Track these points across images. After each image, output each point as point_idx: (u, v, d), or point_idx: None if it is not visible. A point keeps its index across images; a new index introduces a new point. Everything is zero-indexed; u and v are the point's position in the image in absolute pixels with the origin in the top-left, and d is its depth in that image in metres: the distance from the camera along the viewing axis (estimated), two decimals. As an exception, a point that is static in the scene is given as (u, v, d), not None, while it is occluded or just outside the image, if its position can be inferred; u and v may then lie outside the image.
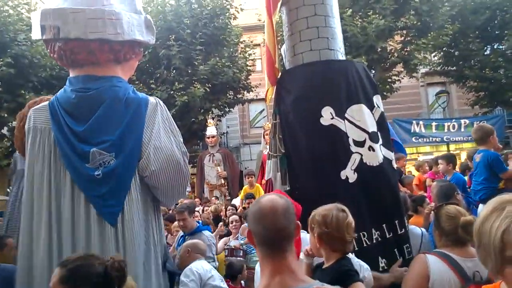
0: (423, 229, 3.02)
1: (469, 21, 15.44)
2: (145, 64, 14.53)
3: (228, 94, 16.62)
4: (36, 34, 2.37)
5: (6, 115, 14.81)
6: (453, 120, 14.34)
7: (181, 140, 2.45)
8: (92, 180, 2.16)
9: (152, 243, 2.32)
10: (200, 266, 3.28)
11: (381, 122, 2.85)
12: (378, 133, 2.78)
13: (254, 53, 17.94)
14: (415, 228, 3.00)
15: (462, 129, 13.90)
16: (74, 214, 2.16)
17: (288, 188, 2.72)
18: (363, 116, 2.72)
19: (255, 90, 17.30)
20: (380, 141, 2.77)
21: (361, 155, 2.65)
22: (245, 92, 17.26)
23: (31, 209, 2.22)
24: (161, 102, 2.43)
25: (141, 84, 14.86)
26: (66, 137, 2.21)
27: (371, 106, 2.82)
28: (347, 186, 2.58)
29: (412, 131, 14.24)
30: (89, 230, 2.13)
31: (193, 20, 14.40)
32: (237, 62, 16.12)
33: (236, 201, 8.31)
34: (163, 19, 14.10)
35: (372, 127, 2.75)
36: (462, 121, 13.96)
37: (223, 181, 10.87)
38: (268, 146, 8.36)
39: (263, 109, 22.19)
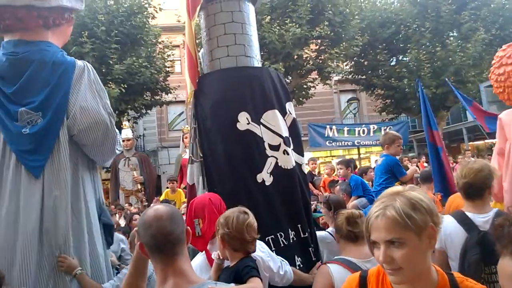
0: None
1: (377, 34, 16.65)
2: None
3: (145, 96, 16.11)
4: None
5: None
6: (363, 125, 15.24)
7: (108, 102, 2.56)
8: (20, 137, 2.31)
9: (83, 196, 2.45)
10: None
11: (293, 128, 2.97)
12: (290, 138, 2.89)
13: (173, 54, 17.66)
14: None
15: (371, 134, 14.82)
16: (3, 168, 2.32)
17: (206, 192, 2.72)
18: (277, 122, 2.82)
19: (174, 92, 16.99)
20: (292, 146, 2.88)
21: (276, 158, 2.74)
22: (163, 94, 16.89)
23: None
24: (89, 65, 2.52)
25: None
26: None
27: (283, 112, 2.93)
28: (264, 188, 2.65)
29: (326, 135, 14.90)
30: (19, 183, 2.29)
31: (109, 17, 13.76)
32: (155, 62, 15.71)
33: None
34: (76, 13, 13.33)
35: (286, 132, 2.86)
36: (371, 126, 14.87)
37: (139, 187, 10.47)
38: (187, 151, 8.33)
39: (182, 112, 21.91)
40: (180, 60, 20.74)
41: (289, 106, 2.99)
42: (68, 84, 2.38)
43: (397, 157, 4.88)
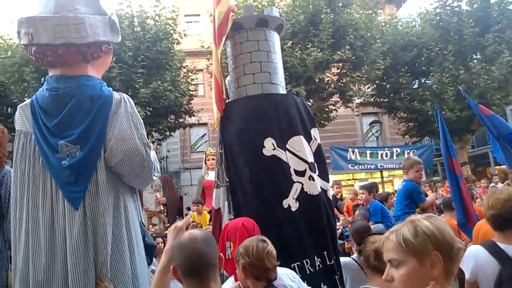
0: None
1: (399, 57, 16.63)
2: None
3: (169, 118, 16.44)
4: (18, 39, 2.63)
5: None
6: (386, 149, 15.14)
7: (144, 132, 2.65)
8: (60, 169, 2.42)
9: (125, 220, 2.54)
10: None
11: (318, 153, 3.00)
12: (315, 164, 2.92)
13: (196, 78, 18.02)
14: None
15: (394, 157, 14.69)
16: (52, 202, 2.43)
17: (232, 217, 2.76)
18: (302, 147, 2.86)
19: (197, 115, 17.31)
20: (317, 172, 2.91)
21: (302, 184, 2.76)
22: (187, 117, 17.20)
23: (15, 200, 2.51)
24: (126, 97, 2.62)
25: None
26: (41, 132, 2.49)
27: (309, 138, 2.97)
28: (290, 214, 2.67)
29: (348, 158, 14.83)
30: (65, 213, 2.40)
31: (136, 43, 14.24)
32: (179, 86, 16.07)
33: None
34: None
35: (311, 157, 2.89)
36: (394, 149, 14.77)
37: (162, 208, 10.59)
38: (210, 173, 8.39)
39: (205, 134, 22.18)
40: (203, 83, 21.14)
41: (314, 132, 3.04)
42: (106, 117, 2.49)
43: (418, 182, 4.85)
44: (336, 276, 2.73)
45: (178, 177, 20.78)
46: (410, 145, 16.74)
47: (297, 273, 2.45)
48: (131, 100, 2.65)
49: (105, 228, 2.40)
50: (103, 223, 2.40)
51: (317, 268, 2.62)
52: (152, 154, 2.72)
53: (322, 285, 2.61)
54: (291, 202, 2.69)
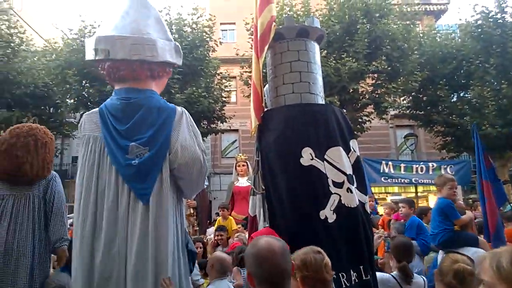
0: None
1: (437, 69, 16.24)
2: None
3: (202, 124, 16.68)
4: (89, 56, 3.03)
5: (-23, 129, 14.34)
6: (421, 163, 14.71)
7: (201, 141, 2.99)
8: (130, 168, 2.72)
9: (177, 224, 2.84)
10: None
11: (357, 166, 2.95)
12: (353, 176, 2.87)
13: (230, 85, 18.23)
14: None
15: (430, 172, 14.25)
16: (118, 197, 2.71)
17: (267, 225, 2.75)
18: (341, 159, 2.81)
19: (228, 121, 17.47)
20: (355, 184, 2.86)
21: (340, 196, 2.71)
22: (219, 122, 17.40)
23: (80, 196, 2.77)
24: (185, 111, 3.00)
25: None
26: (111, 135, 2.80)
27: (347, 150, 2.92)
28: (326, 226, 2.62)
29: (381, 171, 14.50)
30: (128, 206, 2.69)
31: (173, 50, 14.54)
32: (213, 92, 16.30)
33: (210, 232, 8.24)
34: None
35: (349, 169, 2.83)
36: (430, 164, 14.32)
37: (192, 211, 10.68)
38: (239, 178, 8.40)
39: (235, 140, 22.35)
40: (235, 90, 21.35)
41: (353, 143, 2.99)
42: (170, 126, 2.83)
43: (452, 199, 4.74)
44: None
45: (208, 181, 20.92)
46: (447, 160, 16.22)
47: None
48: (188, 113, 3.01)
49: (167, 224, 2.67)
50: (165, 219, 2.68)
51: (353, 282, 2.55)
52: None
53: None
54: (328, 214, 2.64)
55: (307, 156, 2.73)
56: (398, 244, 3.35)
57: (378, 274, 2.98)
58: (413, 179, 14.42)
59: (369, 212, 2.99)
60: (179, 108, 2.96)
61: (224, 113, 17.25)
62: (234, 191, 8.51)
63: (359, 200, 2.80)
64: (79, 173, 2.85)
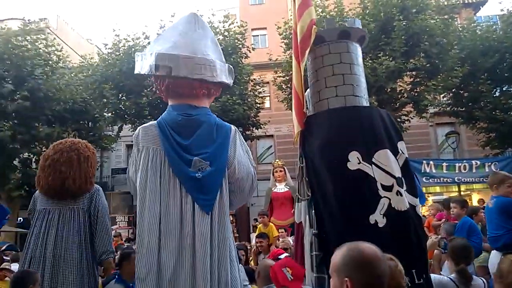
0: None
1: (479, 64, 15.66)
2: (156, 99, 14.82)
3: (237, 131, 16.76)
4: (141, 69, 3.24)
5: (19, 146, 14.99)
6: (464, 161, 14.24)
7: (251, 158, 3.28)
8: (194, 180, 2.90)
9: (232, 231, 3.11)
10: None
11: (406, 168, 2.86)
12: (403, 178, 2.79)
13: (264, 91, 18.26)
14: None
15: (474, 170, 13.80)
16: (182, 206, 2.89)
17: (315, 231, 2.71)
18: (389, 161, 2.74)
19: (263, 127, 17.47)
20: (405, 187, 2.77)
21: (389, 199, 2.65)
22: (254, 129, 17.42)
23: (143, 206, 2.94)
24: (237, 130, 3.25)
25: (153, 119, 15.06)
26: (173, 148, 2.97)
27: (395, 152, 2.84)
28: (377, 230, 2.56)
29: (422, 171, 14.13)
30: (193, 215, 2.86)
31: (206, 59, 14.71)
32: (247, 99, 16.36)
33: (253, 237, 8.28)
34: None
35: (398, 172, 2.75)
36: (473, 162, 13.85)
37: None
38: (277, 184, 8.35)
39: (271, 146, 22.32)
40: (269, 96, 21.36)
41: (401, 145, 2.91)
42: (228, 142, 3.07)
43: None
44: None
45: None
46: (491, 158, 15.62)
47: None
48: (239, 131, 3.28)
49: (228, 232, 2.93)
50: (226, 227, 2.93)
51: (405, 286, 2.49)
52: None
53: None
54: (378, 218, 2.58)
55: (354, 160, 2.68)
56: (457, 246, 3.29)
57: (435, 276, 2.95)
58: (455, 178, 14.01)
59: (420, 215, 2.89)
60: (233, 127, 3.19)
61: (259, 119, 17.30)
62: (272, 197, 8.48)
63: (409, 203, 2.72)
64: (139, 182, 3.01)
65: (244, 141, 3.25)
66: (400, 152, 2.87)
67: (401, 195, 2.69)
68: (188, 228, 2.83)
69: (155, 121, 3.16)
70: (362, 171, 2.67)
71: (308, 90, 3.30)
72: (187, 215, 2.87)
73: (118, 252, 6.43)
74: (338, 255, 1.67)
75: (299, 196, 2.97)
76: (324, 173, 2.74)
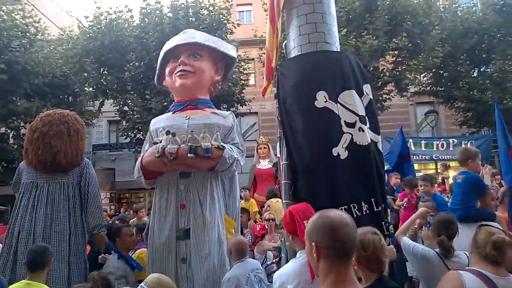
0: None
1: (458, 44, 15.98)
2: (139, 74, 14.74)
3: (221, 107, 16.78)
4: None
5: (-4, 121, 14.62)
6: (442, 139, 14.60)
7: None
8: None
9: None
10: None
11: (370, 108, 3.11)
12: (366, 117, 3.03)
13: (248, 68, 18.27)
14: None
15: (451, 148, 14.16)
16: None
17: (283, 163, 2.93)
18: (353, 101, 2.99)
19: (248, 104, 17.53)
20: (368, 125, 3.02)
21: (352, 135, 2.90)
22: (238, 105, 17.45)
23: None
24: None
25: (135, 95, 15.03)
26: None
27: (361, 93, 3.09)
28: (339, 161, 2.81)
29: (401, 147, 14.47)
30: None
31: (191, 33, 14.63)
32: (232, 75, 16.34)
33: None
34: (160, 31, 14.34)
35: (362, 111, 3.01)
36: (451, 140, 14.22)
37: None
38: (261, 161, 8.47)
39: (255, 123, 22.45)
40: (254, 73, 21.38)
41: (366, 88, 3.14)
42: None
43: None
44: (382, 222, 2.85)
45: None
46: (467, 136, 16.05)
47: None
48: None
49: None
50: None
51: (364, 213, 2.75)
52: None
53: None
54: (340, 151, 2.83)
55: (321, 99, 2.91)
56: (439, 219, 3.27)
57: (421, 248, 3.07)
58: (433, 156, 14.36)
59: (381, 150, 3.12)
60: None
61: (244, 96, 17.26)
62: (256, 174, 8.60)
63: (371, 139, 2.96)
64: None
65: None
66: (365, 93, 3.11)
67: (363, 131, 2.94)
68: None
69: None
70: (328, 109, 2.91)
71: (285, 41, 3.45)
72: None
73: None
74: (310, 222, 1.71)
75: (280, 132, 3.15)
76: (294, 111, 2.96)
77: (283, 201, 2.83)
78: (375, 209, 2.82)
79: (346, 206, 2.69)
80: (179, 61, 4.07)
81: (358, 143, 2.89)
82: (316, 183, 2.71)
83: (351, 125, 2.91)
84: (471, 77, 16.18)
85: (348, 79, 3.03)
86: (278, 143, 3.14)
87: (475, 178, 4.42)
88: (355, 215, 2.70)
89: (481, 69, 16.62)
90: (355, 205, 2.73)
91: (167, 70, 4.23)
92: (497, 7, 15.36)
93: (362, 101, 3.04)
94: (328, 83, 2.96)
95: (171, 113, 4.20)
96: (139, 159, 3.85)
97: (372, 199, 2.82)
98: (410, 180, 6.45)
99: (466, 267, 2.40)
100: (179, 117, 4.02)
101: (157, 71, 4.48)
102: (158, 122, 4.04)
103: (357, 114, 2.95)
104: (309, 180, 2.69)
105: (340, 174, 2.75)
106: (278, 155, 3.22)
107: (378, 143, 3.06)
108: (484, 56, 16.17)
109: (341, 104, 2.92)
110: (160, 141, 3.64)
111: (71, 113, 4.01)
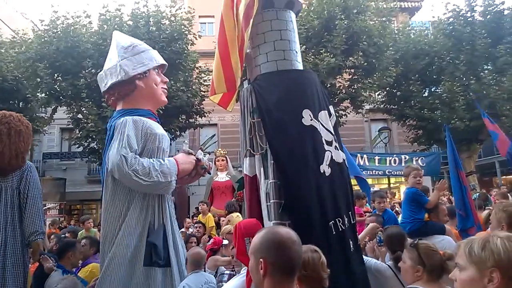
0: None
1: (411, 65, 16.80)
2: (96, 82, 14.15)
3: (180, 118, 16.59)
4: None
5: None
6: (394, 155, 15.18)
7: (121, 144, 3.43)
8: None
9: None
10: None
11: (336, 128, 3.19)
12: (334, 136, 3.12)
13: (209, 79, 18.20)
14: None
15: (403, 164, 14.70)
16: None
17: (271, 181, 2.83)
18: (328, 121, 3.07)
19: (207, 116, 17.45)
20: (337, 144, 3.11)
21: (331, 152, 2.98)
22: (197, 117, 17.33)
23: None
24: (123, 122, 3.46)
25: (90, 102, 14.49)
26: None
27: (329, 114, 3.17)
28: (325, 178, 2.87)
29: (356, 163, 14.86)
30: None
31: (150, 43, 14.26)
32: (192, 87, 16.23)
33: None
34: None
35: (332, 130, 3.09)
36: (403, 156, 14.80)
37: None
38: (218, 173, 8.32)
39: (214, 135, 22.36)
40: (214, 85, 21.26)
41: (331, 109, 3.24)
42: (110, 140, 3.54)
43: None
44: (355, 233, 2.98)
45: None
46: (418, 153, 16.80)
47: (332, 231, 2.69)
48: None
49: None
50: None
51: (346, 226, 2.82)
52: None
53: (350, 241, 2.81)
54: (325, 168, 2.89)
55: (307, 117, 2.94)
56: (392, 234, 3.36)
57: (374, 262, 3.14)
58: (386, 171, 14.87)
59: (348, 168, 3.23)
60: (118, 120, 3.58)
61: (203, 108, 17.17)
62: (213, 186, 8.51)
63: (341, 157, 3.04)
64: None
65: (121, 128, 3.40)
66: (332, 114, 3.21)
67: (338, 149, 3.03)
68: None
69: None
70: (313, 127, 2.95)
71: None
72: None
73: (54, 241, 6.18)
74: (257, 237, 1.71)
75: (252, 151, 3.03)
76: (283, 126, 2.92)
77: (273, 222, 2.74)
78: (352, 222, 2.92)
79: (333, 221, 2.75)
80: (165, 80, 4.10)
81: (336, 160, 2.97)
82: (308, 200, 2.72)
83: (329, 143, 2.99)
84: (422, 96, 17.01)
85: (322, 99, 3.12)
86: (246, 158, 3.06)
87: (411, 192, 4.63)
88: (340, 229, 2.77)
89: (432, 89, 17.49)
90: (340, 219, 2.81)
91: (154, 75, 3.92)
92: (447, 32, 16.31)
93: (330, 121, 3.11)
94: (311, 101, 3.01)
95: (152, 119, 3.88)
96: (167, 163, 3.52)
97: (350, 213, 2.92)
98: (358, 194, 6.71)
99: (408, 286, 2.48)
100: None
101: (137, 64, 3.78)
102: (158, 128, 3.76)
103: (332, 133, 3.03)
104: (302, 197, 2.73)
105: (326, 191, 2.80)
106: (245, 172, 3.11)
107: (345, 160, 3.13)
108: (434, 77, 17.04)
109: (320, 123, 2.99)
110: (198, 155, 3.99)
111: (14, 114, 3.83)
